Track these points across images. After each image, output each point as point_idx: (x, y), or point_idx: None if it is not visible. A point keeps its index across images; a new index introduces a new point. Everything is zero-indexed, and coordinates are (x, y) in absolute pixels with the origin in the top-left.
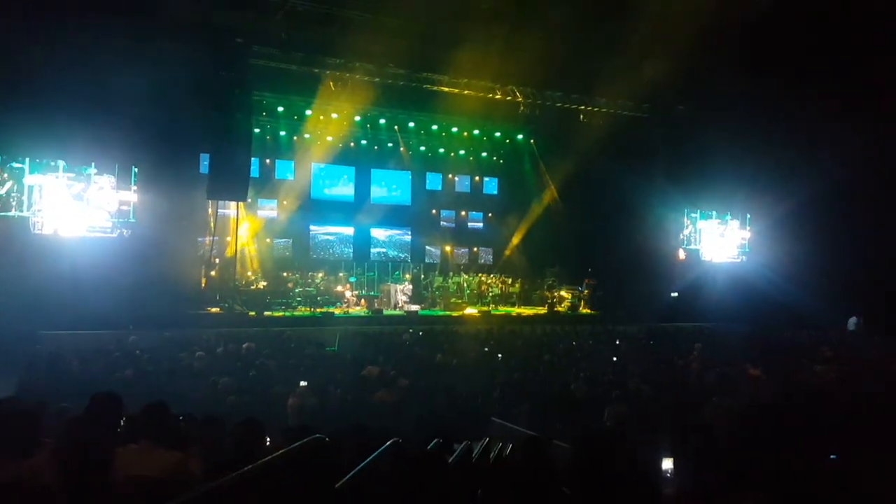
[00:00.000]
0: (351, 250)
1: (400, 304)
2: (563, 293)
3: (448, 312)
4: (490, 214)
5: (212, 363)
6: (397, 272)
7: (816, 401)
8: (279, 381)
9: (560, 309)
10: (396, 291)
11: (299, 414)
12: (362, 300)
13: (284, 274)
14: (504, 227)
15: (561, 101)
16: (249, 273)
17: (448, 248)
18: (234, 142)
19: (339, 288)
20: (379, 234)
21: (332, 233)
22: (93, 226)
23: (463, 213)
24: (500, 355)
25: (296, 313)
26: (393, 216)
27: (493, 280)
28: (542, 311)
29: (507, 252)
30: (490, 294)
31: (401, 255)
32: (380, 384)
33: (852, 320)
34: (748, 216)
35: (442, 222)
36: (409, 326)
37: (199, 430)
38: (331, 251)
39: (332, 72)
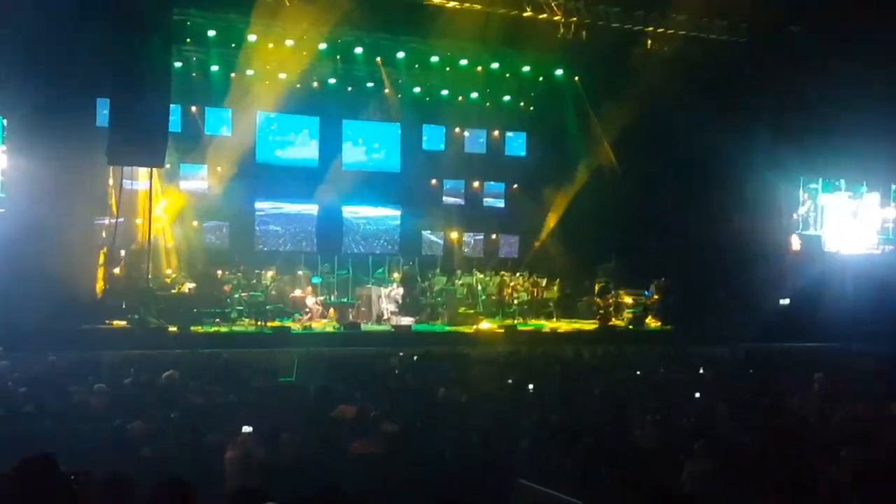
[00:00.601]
0: (314, 238)
1: (386, 317)
2: (621, 300)
3: (455, 328)
4: (515, 186)
5: (117, 400)
6: (381, 270)
7: None
8: (213, 426)
9: (617, 322)
10: (380, 298)
11: (242, 471)
12: (331, 310)
13: (219, 273)
14: (535, 204)
15: (619, 19)
16: (169, 271)
17: (454, 236)
18: (146, 81)
19: (298, 293)
20: (355, 214)
21: (286, 213)
22: None
23: (476, 184)
24: (530, 388)
25: (236, 329)
26: (375, 189)
27: (520, 281)
28: (591, 325)
29: (540, 240)
30: (516, 301)
31: (387, 244)
32: (356, 430)
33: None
34: (894, 187)
35: (445, 198)
36: (399, 348)
37: (99, 493)
38: (285, 239)
39: None
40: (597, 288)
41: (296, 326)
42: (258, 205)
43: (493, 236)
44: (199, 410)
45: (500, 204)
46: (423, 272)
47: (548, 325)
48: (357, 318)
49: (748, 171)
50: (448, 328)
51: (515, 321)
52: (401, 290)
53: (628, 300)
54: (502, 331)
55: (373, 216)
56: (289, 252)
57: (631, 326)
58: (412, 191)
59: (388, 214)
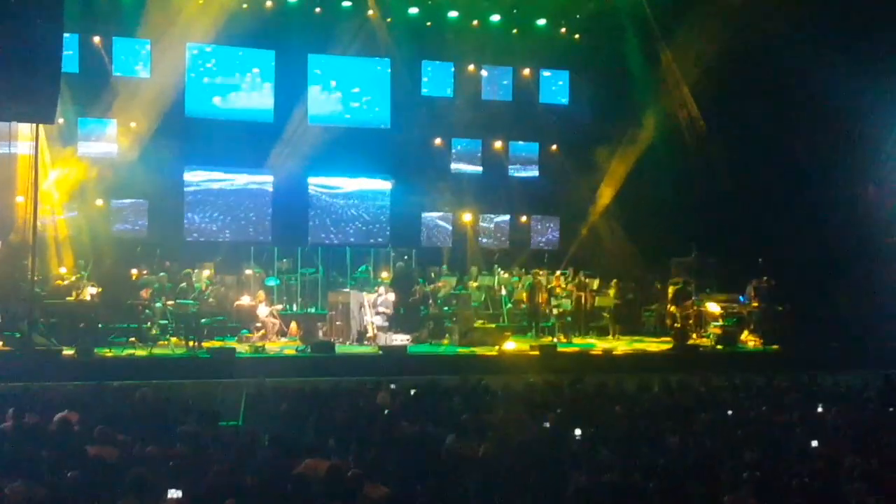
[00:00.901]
0: (268, 223)
1: (371, 334)
2: (705, 309)
3: (469, 349)
4: (553, 148)
5: None
6: (364, 267)
7: None
8: (128, 489)
9: (700, 341)
10: (363, 307)
11: None
12: (292, 325)
13: (134, 273)
14: (582, 173)
15: None
16: (63, 271)
17: (468, 219)
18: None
19: (246, 300)
20: (327, 188)
21: (229, 187)
22: None
23: (498, 144)
24: (576, 435)
25: (158, 352)
26: (355, 152)
27: (562, 283)
28: (663, 345)
29: (589, 224)
30: (555, 311)
31: (372, 231)
32: (330, 495)
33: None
34: None
35: (455, 165)
36: (391, 378)
37: None
38: (227, 225)
39: None
40: (670, 292)
41: (243, 348)
42: (189, 176)
43: (523, 219)
44: (107, 468)
45: (533, 173)
46: (425, 271)
47: (600, 344)
48: (330, 336)
49: (888, 127)
50: (459, 350)
51: (555, 339)
52: (392, 297)
53: (715, 309)
54: (536, 353)
55: (352, 191)
56: (232, 243)
57: (719, 346)
58: (407, 155)
59: (374, 188)
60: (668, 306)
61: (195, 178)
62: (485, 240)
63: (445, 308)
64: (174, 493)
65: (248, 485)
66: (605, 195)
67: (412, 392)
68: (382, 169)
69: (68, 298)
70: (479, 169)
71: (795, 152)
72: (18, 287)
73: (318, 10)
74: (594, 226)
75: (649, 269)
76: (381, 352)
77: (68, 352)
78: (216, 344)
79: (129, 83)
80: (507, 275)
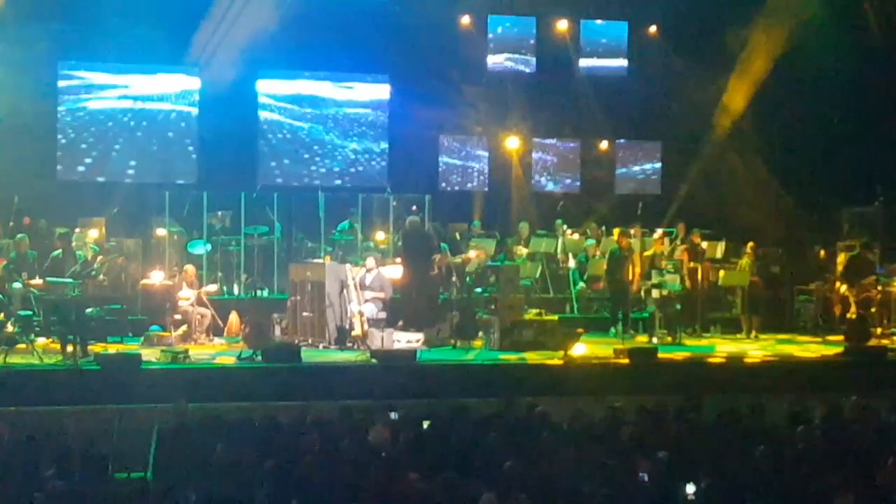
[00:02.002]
0: (192, 152)
1: (359, 331)
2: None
3: (518, 355)
4: (652, 28)
5: None
6: (348, 223)
7: None
8: None
9: (891, 342)
10: (346, 287)
11: None
12: (232, 316)
13: None
14: (700, 69)
15: None
16: None
17: (513, 145)
18: None
19: (157, 277)
20: (285, 95)
21: (130, 94)
22: None
23: (560, 23)
24: (689, 491)
25: (16, 361)
26: (331, 36)
27: (665, 248)
28: (828, 347)
29: (710, 154)
30: (655, 293)
31: (360, 166)
32: None
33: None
34: None
35: (492, 56)
36: (390, 402)
37: None
38: (125, 156)
39: None
40: (841, 263)
41: (153, 355)
42: (65, 80)
43: (603, 146)
44: None
45: (620, 69)
46: (445, 230)
47: (727, 347)
48: (293, 336)
49: None
50: (500, 357)
51: (654, 339)
52: (391, 271)
53: None
54: (625, 361)
55: (326, 101)
56: (135, 187)
57: None
58: (416, 42)
59: (362, 97)
60: (838, 285)
61: (76, 81)
62: (541, 180)
63: (478, 289)
64: None
65: None
66: (736, 107)
67: (425, 425)
68: (375, 65)
69: None
70: (532, 63)
71: None
72: None
73: None
74: (717, 157)
75: (806, 227)
76: (374, 360)
77: None
78: (110, 348)
79: None
80: (576, 236)
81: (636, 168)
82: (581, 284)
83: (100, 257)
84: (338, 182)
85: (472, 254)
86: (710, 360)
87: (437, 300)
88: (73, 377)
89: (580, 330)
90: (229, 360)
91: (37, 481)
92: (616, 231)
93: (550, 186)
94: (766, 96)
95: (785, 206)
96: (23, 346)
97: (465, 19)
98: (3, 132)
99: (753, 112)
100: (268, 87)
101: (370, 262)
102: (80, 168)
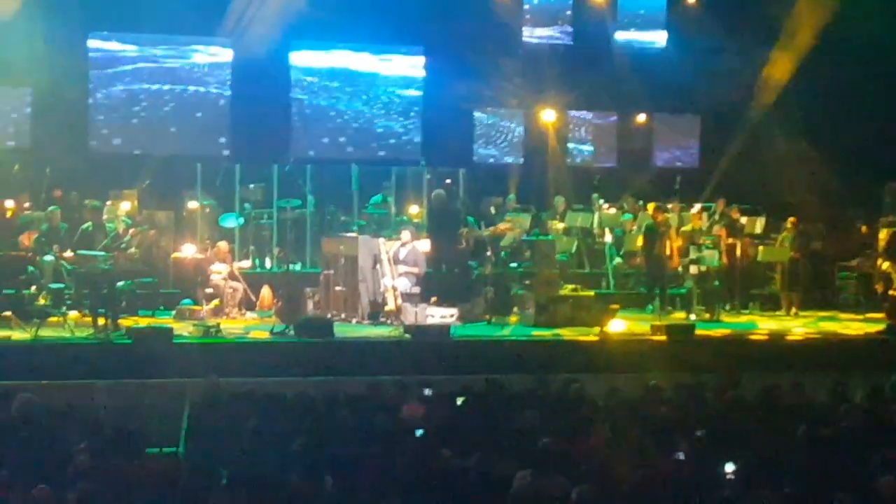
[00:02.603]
0: (225, 125)
1: (392, 306)
2: None
3: (553, 331)
4: None
5: None
6: (381, 196)
7: None
8: None
9: None
10: (379, 262)
11: None
12: (265, 290)
13: (9, 208)
14: (740, 38)
15: None
16: None
17: (549, 118)
18: None
19: (189, 250)
20: (318, 68)
21: (162, 66)
22: None
23: None
24: (728, 470)
25: (48, 334)
26: (364, 8)
27: (703, 223)
28: (870, 325)
29: (749, 127)
30: (693, 270)
31: (393, 138)
32: None
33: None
34: None
35: (527, 28)
36: (423, 378)
37: None
38: (158, 127)
39: None
40: (884, 239)
41: (185, 329)
42: (96, 50)
43: (640, 119)
44: None
45: (657, 41)
46: (478, 204)
47: (767, 324)
48: (326, 310)
49: None
50: (535, 333)
51: (692, 316)
52: (425, 245)
53: None
54: (662, 338)
55: (360, 74)
56: (168, 159)
57: None
58: (451, 14)
59: (396, 70)
60: (880, 262)
61: (107, 52)
62: (577, 153)
63: (513, 265)
64: None
65: None
66: (778, 78)
67: (459, 401)
68: (409, 37)
69: None
70: (569, 35)
71: None
72: None
73: None
74: (757, 130)
75: (848, 202)
76: (408, 336)
77: None
78: (141, 322)
79: None
80: (613, 210)
81: (674, 144)
82: (618, 260)
83: (131, 230)
84: (371, 155)
85: (506, 227)
86: (749, 337)
87: (469, 275)
88: (105, 351)
89: (616, 306)
90: (261, 335)
91: (68, 456)
92: (651, 206)
93: (587, 160)
94: (808, 68)
95: (826, 181)
96: (55, 319)
97: None
98: (34, 105)
99: (794, 82)
100: (301, 59)
101: (405, 235)
102: (113, 141)
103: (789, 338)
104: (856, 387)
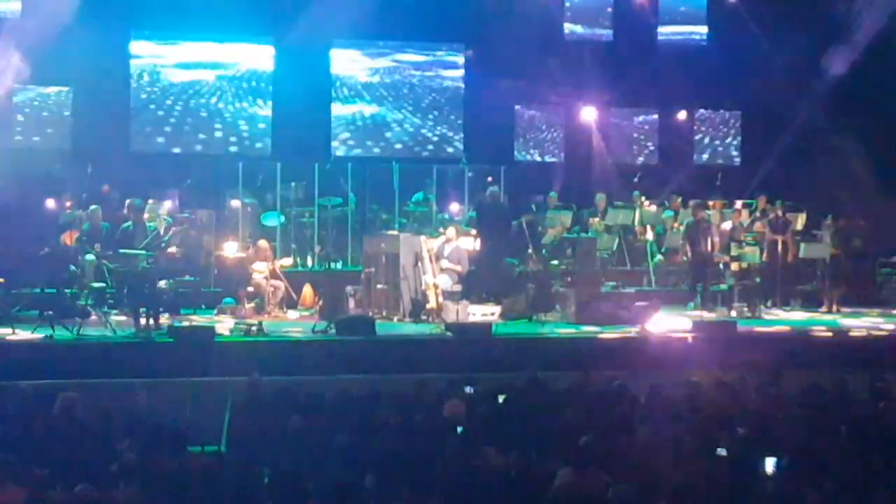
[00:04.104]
0: (267, 122)
1: (434, 304)
2: None
3: (595, 328)
4: None
5: None
6: (422, 194)
7: None
8: None
9: None
10: (421, 260)
11: None
12: (306, 289)
13: (49, 204)
14: (784, 30)
15: None
16: None
17: (590, 115)
18: None
19: (231, 249)
20: (361, 66)
21: (201, 61)
22: None
23: None
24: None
25: (90, 333)
26: (404, 5)
27: (744, 219)
28: None
29: (795, 124)
30: (734, 265)
31: (435, 137)
32: None
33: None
34: None
35: (568, 25)
36: (466, 376)
37: None
38: (198, 128)
39: None
40: None
41: (226, 327)
42: (138, 50)
43: (681, 115)
44: None
45: (699, 37)
46: (521, 202)
47: (805, 319)
48: (367, 308)
49: None
50: (577, 330)
51: (733, 313)
52: (469, 243)
53: None
54: (703, 334)
55: (402, 69)
56: (209, 158)
57: None
58: (492, 10)
59: (438, 66)
60: None
61: (148, 52)
62: (619, 151)
63: (554, 262)
64: None
65: None
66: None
67: (501, 399)
68: (451, 33)
69: None
70: (609, 32)
71: None
72: None
73: None
74: (803, 126)
75: (889, 198)
76: (450, 333)
77: None
78: (183, 321)
79: None
80: (654, 207)
81: (716, 141)
82: (659, 257)
83: (173, 230)
84: (412, 153)
85: (549, 224)
86: (791, 334)
87: (513, 273)
88: (146, 350)
89: (658, 303)
90: (303, 333)
91: (110, 453)
92: (692, 203)
93: (629, 158)
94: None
95: (867, 177)
96: (97, 318)
97: None
98: (75, 106)
99: (838, 80)
100: (342, 55)
101: (451, 232)
102: (155, 139)
103: (830, 335)
104: None
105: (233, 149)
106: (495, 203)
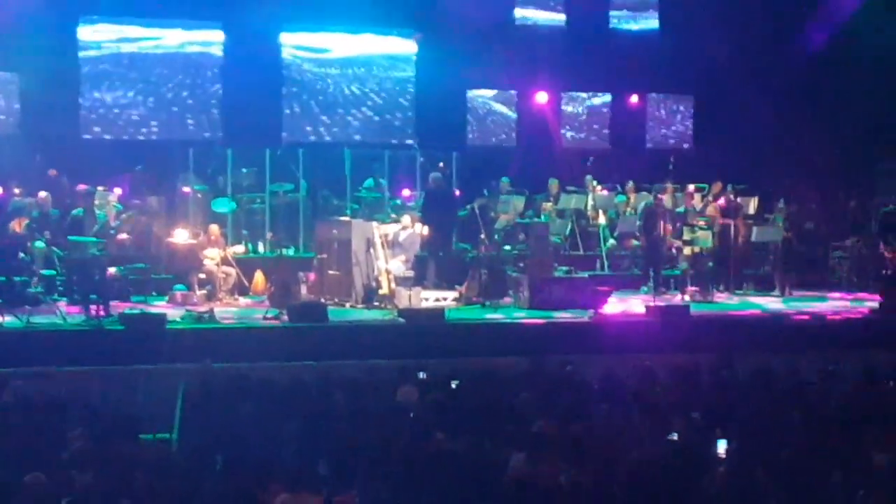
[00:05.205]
0: (217, 110)
1: (386, 290)
2: None
3: (548, 314)
4: None
5: None
6: (373, 180)
7: None
8: None
9: None
10: (373, 247)
11: None
12: (257, 275)
13: None
14: (732, 20)
15: None
16: None
17: (542, 99)
18: None
19: (182, 236)
20: (311, 48)
21: (153, 49)
22: None
23: None
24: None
25: (39, 321)
26: None
27: (697, 204)
28: (863, 305)
29: (742, 107)
30: (687, 249)
31: (387, 121)
32: None
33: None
34: None
35: (520, 9)
36: (418, 362)
37: None
38: (149, 113)
39: None
40: (874, 219)
41: (177, 314)
42: (86, 32)
43: (634, 100)
44: None
45: (650, 23)
46: (474, 188)
47: (757, 303)
48: (319, 295)
49: None
50: (531, 314)
51: (686, 297)
52: (420, 230)
53: None
54: (656, 318)
55: (353, 57)
56: (159, 143)
57: None
58: None
59: (389, 51)
60: (872, 243)
61: (97, 35)
62: (571, 135)
63: (507, 247)
64: None
65: None
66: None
67: (453, 385)
68: (402, 18)
69: None
70: (562, 18)
71: None
72: None
73: None
74: (749, 110)
75: (840, 182)
76: (402, 319)
77: None
78: (134, 308)
79: None
80: (607, 192)
81: (668, 125)
82: (612, 241)
83: (124, 216)
84: (364, 138)
85: (502, 210)
86: (743, 317)
87: (464, 258)
88: (97, 338)
89: (609, 288)
90: (255, 320)
91: (62, 441)
92: (649, 188)
93: (581, 142)
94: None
95: (819, 162)
96: (47, 306)
97: None
98: (23, 92)
99: (787, 66)
100: (292, 39)
101: (406, 219)
102: (104, 126)
103: (782, 318)
104: (847, 366)
105: (183, 134)
106: (439, 189)
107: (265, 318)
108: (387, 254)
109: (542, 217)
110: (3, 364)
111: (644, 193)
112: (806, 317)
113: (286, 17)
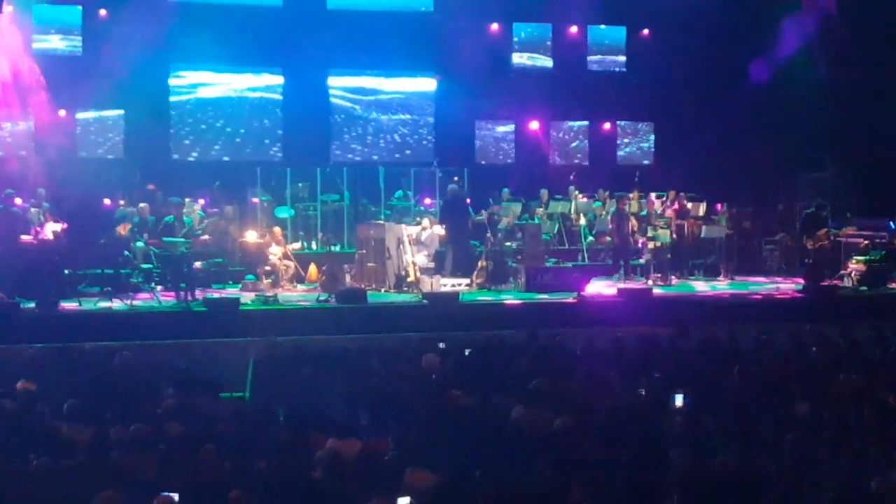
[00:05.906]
0: (278, 136)
1: (413, 278)
2: (845, 239)
3: (540, 295)
4: (645, 31)
5: None
6: (402, 192)
7: None
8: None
9: (839, 282)
10: (403, 244)
11: None
12: (311, 267)
13: (107, 202)
14: (682, 62)
15: None
16: (17, 201)
17: (534, 126)
18: None
19: (251, 237)
20: (352, 90)
21: (225, 94)
22: None
23: (573, 28)
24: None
25: (140, 304)
26: (388, 42)
27: (657, 208)
28: (790, 286)
29: (693, 131)
30: (650, 244)
31: (412, 145)
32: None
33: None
34: None
35: (517, 56)
36: (440, 334)
37: None
38: (225, 139)
39: None
40: (799, 218)
41: (249, 298)
42: (176, 79)
43: (606, 126)
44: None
45: (620, 65)
46: (481, 197)
47: (705, 285)
48: (360, 282)
49: None
50: (527, 296)
51: (649, 282)
52: (440, 230)
53: (857, 241)
54: (625, 298)
55: (385, 92)
56: (234, 164)
57: (863, 288)
58: (456, 45)
59: (414, 90)
60: (799, 238)
61: (184, 80)
62: (558, 155)
63: (508, 243)
64: (168, 497)
65: (259, 472)
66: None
67: (466, 352)
68: (424, 64)
69: (23, 237)
70: (549, 62)
71: None
72: None
73: None
74: (699, 133)
75: (771, 189)
76: (425, 301)
77: (27, 306)
78: (214, 294)
79: None
80: (586, 199)
81: (633, 145)
82: (590, 238)
83: (206, 221)
84: (394, 159)
85: (504, 214)
86: (695, 297)
87: (473, 252)
88: (185, 317)
89: (590, 275)
90: (309, 303)
91: (158, 399)
92: (619, 196)
93: (565, 159)
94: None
95: (753, 172)
96: (146, 293)
97: (494, 26)
98: (127, 125)
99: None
100: (337, 82)
101: (426, 222)
102: (191, 151)
103: (725, 297)
104: (778, 336)
105: (252, 157)
106: (454, 198)
107: (317, 301)
108: (413, 249)
109: (536, 219)
110: (112, 338)
111: (615, 200)
112: (745, 296)
113: (333, 64)
